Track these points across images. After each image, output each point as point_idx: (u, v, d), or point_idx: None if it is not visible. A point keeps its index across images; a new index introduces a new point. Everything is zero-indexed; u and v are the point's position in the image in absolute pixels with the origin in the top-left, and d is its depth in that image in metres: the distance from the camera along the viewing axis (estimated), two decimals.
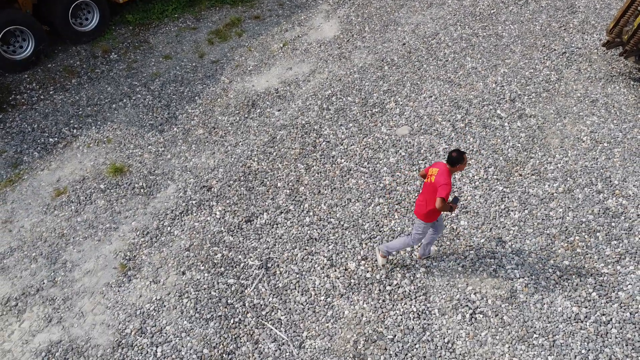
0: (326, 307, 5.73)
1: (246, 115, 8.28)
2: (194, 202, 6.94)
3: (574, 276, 5.83)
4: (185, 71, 9.25)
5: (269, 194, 7.01)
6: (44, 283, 6.10)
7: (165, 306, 5.82)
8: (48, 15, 9.26)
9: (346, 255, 6.20)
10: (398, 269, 6.01)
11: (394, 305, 5.70)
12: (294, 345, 5.42)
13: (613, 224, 6.32)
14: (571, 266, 5.93)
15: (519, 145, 7.43)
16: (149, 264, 6.24)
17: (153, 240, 6.51)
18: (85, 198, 7.06)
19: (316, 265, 6.12)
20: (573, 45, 9.18)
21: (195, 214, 6.79)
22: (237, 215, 6.74)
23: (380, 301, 5.73)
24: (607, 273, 5.84)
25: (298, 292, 5.88)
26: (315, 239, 6.40)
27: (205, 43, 9.95)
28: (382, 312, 5.64)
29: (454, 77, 8.69)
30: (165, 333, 5.58)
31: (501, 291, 5.74)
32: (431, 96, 8.34)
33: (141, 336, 5.56)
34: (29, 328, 5.68)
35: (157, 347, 5.47)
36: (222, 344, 5.45)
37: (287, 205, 6.83)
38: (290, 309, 5.74)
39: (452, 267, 6.00)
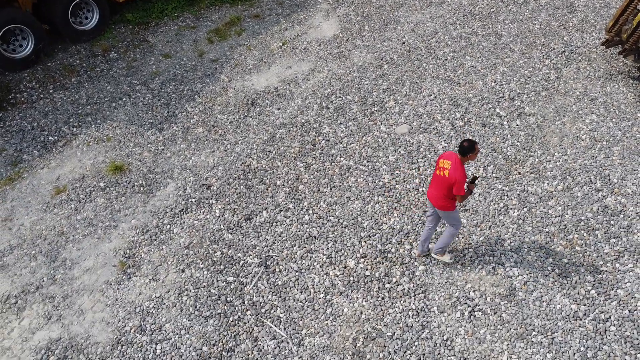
0: (325, 304, 5.74)
1: (246, 114, 8.29)
2: (193, 200, 6.95)
3: (572, 274, 5.84)
4: (185, 70, 9.26)
5: (269, 192, 7.02)
6: (43, 281, 6.10)
7: (164, 304, 5.82)
8: (48, 14, 9.27)
9: (345, 253, 6.21)
10: (397, 266, 6.02)
11: (393, 302, 5.71)
12: (293, 343, 5.43)
13: (612, 222, 6.33)
14: (570, 264, 5.94)
15: (518, 143, 7.44)
16: (149, 262, 6.25)
17: (152, 238, 6.52)
18: (85, 196, 7.07)
19: (315, 263, 6.13)
20: (572, 44, 9.19)
21: (194, 212, 6.80)
22: (236, 214, 6.75)
23: (379, 299, 5.74)
24: (606, 271, 5.85)
25: (297, 289, 5.89)
26: (315, 237, 6.41)
27: (205, 42, 9.96)
28: (381, 310, 5.65)
29: (453, 75, 8.70)
30: (165, 330, 5.59)
31: (500, 289, 5.75)
32: (430, 95, 8.35)
33: (141, 334, 5.57)
34: (29, 325, 5.69)
35: (156, 344, 5.48)
36: (222, 342, 5.46)
37: (286, 204, 6.84)
38: (289, 306, 5.75)
39: (451, 265, 6.00)
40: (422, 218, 6.52)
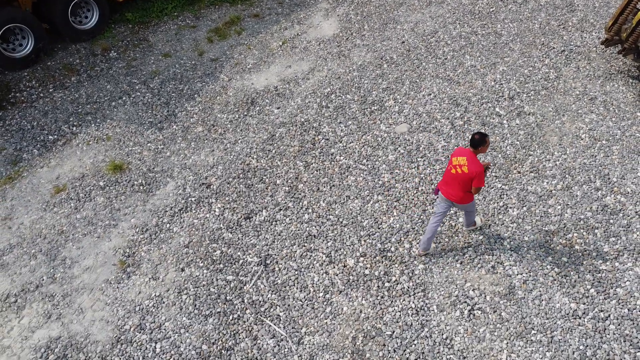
0: (325, 303, 5.74)
1: (245, 113, 8.29)
2: (193, 199, 6.96)
3: (572, 273, 5.84)
4: (185, 69, 9.26)
5: (268, 191, 7.02)
6: (43, 279, 6.11)
7: (164, 302, 5.83)
8: (48, 14, 9.27)
9: (345, 252, 6.21)
10: (396, 265, 6.03)
11: (392, 301, 5.71)
12: (292, 341, 5.44)
13: (611, 221, 6.33)
14: (569, 263, 5.94)
15: (518, 142, 7.44)
16: (148, 261, 6.26)
17: (152, 237, 6.52)
18: (85, 195, 7.07)
19: (315, 262, 6.13)
20: (572, 44, 9.19)
21: (194, 211, 6.80)
22: (236, 212, 6.76)
23: (378, 297, 5.75)
24: (605, 270, 5.85)
25: (297, 288, 5.90)
26: (314, 236, 6.41)
27: (205, 41, 9.96)
28: (381, 309, 5.65)
29: (453, 75, 8.71)
30: (164, 329, 5.59)
31: (499, 287, 5.76)
32: (430, 94, 8.35)
33: (140, 332, 5.57)
34: (29, 324, 5.69)
35: (156, 343, 5.48)
36: (221, 340, 5.47)
37: (286, 203, 6.84)
38: (289, 305, 5.75)
39: (451, 264, 6.01)
40: (421, 217, 6.52)
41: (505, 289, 5.74)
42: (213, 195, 7.00)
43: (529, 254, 6.05)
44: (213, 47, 9.80)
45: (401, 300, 5.71)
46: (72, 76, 9.11)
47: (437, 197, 5.81)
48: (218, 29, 10.23)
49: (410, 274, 5.94)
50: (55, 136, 7.97)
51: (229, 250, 6.33)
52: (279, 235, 6.46)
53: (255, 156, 7.53)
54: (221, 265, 6.16)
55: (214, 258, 6.25)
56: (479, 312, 5.56)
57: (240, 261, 6.21)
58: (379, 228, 6.45)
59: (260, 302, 5.80)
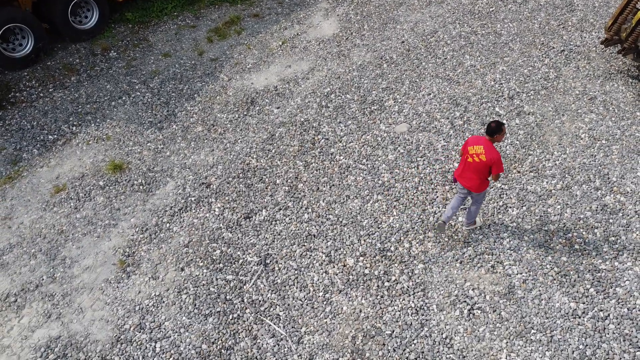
0: (324, 302, 5.74)
1: (245, 113, 8.29)
2: (193, 198, 6.96)
3: (571, 272, 5.84)
4: (185, 69, 9.27)
5: (268, 190, 7.02)
6: (43, 279, 6.11)
7: (164, 302, 5.83)
8: (48, 13, 9.28)
9: (344, 252, 6.22)
10: (396, 265, 6.03)
11: (392, 301, 5.71)
12: (292, 341, 5.44)
13: (611, 221, 6.34)
14: (569, 262, 5.94)
15: (517, 142, 7.44)
16: (148, 260, 6.26)
17: (152, 236, 6.52)
18: (85, 195, 7.07)
19: (315, 262, 6.14)
20: (572, 43, 9.20)
21: (194, 211, 6.80)
22: (236, 212, 6.76)
23: (378, 297, 5.75)
24: (604, 269, 5.86)
25: (296, 288, 5.90)
26: (314, 236, 6.42)
27: (205, 41, 9.97)
28: (381, 308, 5.65)
29: (452, 74, 8.71)
30: (164, 329, 5.59)
31: (499, 287, 5.76)
32: (430, 94, 8.35)
33: (140, 332, 5.57)
34: (28, 324, 5.70)
35: (156, 342, 5.48)
36: (221, 340, 5.47)
37: (285, 202, 6.84)
38: (288, 304, 5.75)
39: (450, 263, 6.01)
40: (421, 216, 6.53)
41: (504, 288, 5.75)
42: (213, 194, 7.00)
43: (528, 253, 6.05)
44: (213, 47, 9.81)
45: (401, 300, 5.71)
46: (72, 76, 9.11)
47: (456, 184, 6.05)
48: (218, 29, 10.24)
49: (410, 274, 5.94)
50: (55, 136, 7.98)
51: (229, 249, 6.33)
52: (279, 234, 6.47)
53: (255, 156, 7.53)
54: (221, 265, 6.17)
55: (214, 257, 6.25)
56: (479, 311, 5.56)
57: (240, 261, 6.21)
58: (378, 228, 6.46)
59: (260, 301, 5.80)
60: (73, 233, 6.60)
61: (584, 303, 5.56)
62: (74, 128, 8.11)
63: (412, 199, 6.76)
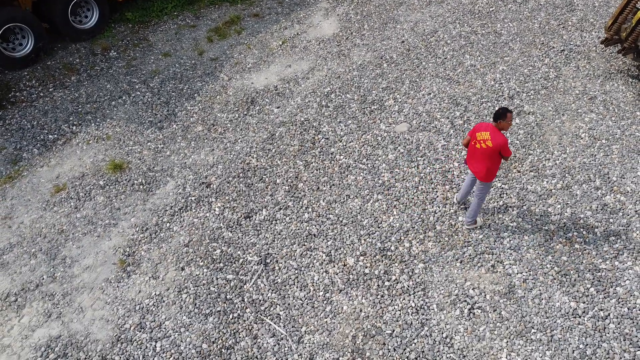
0: (325, 302, 5.75)
1: (245, 112, 8.29)
2: (193, 198, 6.96)
3: (572, 272, 5.84)
4: (185, 69, 9.27)
5: (268, 190, 7.02)
6: (43, 279, 6.11)
7: (164, 301, 5.83)
8: (48, 13, 9.28)
9: (345, 251, 6.22)
10: (396, 264, 6.03)
11: (392, 300, 5.71)
12: (292, 340, 5.44)
13: (611, 220, 6.34)
14: (569, 262, 5.94)
15: (518, 142, 7.44)
16: (148, 260, 6.26)
17: (152, 236, 6.52)
18: (85, 194, 7.07)
19: (315, 261, 6.14)
20: (572, 43, 9.20)
21: (194, 210, 6.80)
22: (236, 212, 6.76)
23: (378, 296, 5.75)
24: (605, 269, 5.86)
25: (297, 287, 5.90)
26: (314, 235, 6.42)
27: (205, 41, 9.97)
28: (381, 308, 5.65)
29: (452, 74, 8.71)
30: (165, 328, 5.59)
31: (499, 286, 5.76)
32: (430, 93, 8.35)
33: (140, 331, 5.57)
34: (29, 323, 5.69)
35: (156, 342, 5.48)
36: (221, 339, 5.47)
37: (286, 202, 6.84)
38: (289, 304, 5.75)
39: (451, 263, 6.02)
40: (421, 216, 6.53)
41: (505, 287, 5.75)
42: (213, 194, 7.00)
43: (528, 253, 6.06)
44: (213, 47, 9.81)
45: (401, 299, 5.71)
46: (72, 75, 9.11)
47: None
48: (218, 29, 10.24)
49: (410, 273, 5.94)
50: (55, 135, 7.97)
51: (229, 249, 6.33)
52: (279, 234, 6.47)
53: (255, 155, 7.53)
54: (221, 264, 6.17)
55: (214, 257, 6.25)
56: (479, 311, 5.57)
57: (240, 260, 6.21)
58: (378, 227, 6.46)
59: (260, 301, 5.80)
60: (73, 232, 6.60)
61: (584, 302, 5.57)
62: (74, 127, 8.11)
63: (412, 198, 6.76)
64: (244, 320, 5.63)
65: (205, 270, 6.11)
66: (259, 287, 5.93)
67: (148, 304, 5.81)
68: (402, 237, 6.31)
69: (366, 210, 6.67)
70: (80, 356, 5.39)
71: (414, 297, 5.73)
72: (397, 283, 5.86)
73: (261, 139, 7.79)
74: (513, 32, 9.58)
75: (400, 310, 5.62)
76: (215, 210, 6.80)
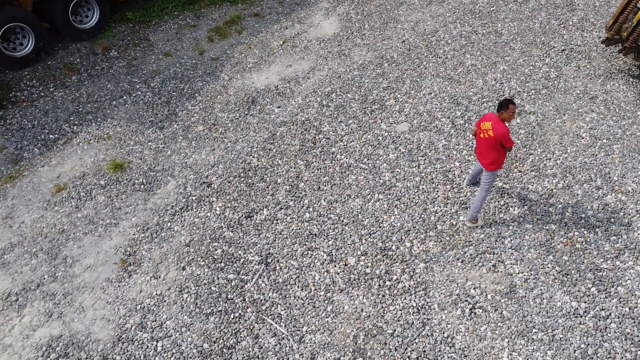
0: (326, 302, 5.74)
1: (246, 112, 8.29)
2: (194, 198, 6.96)
3: (573, 271, 5.84)
4: (185, 68, 9.26)
5: (269, 190, 7.02)
6: (44, 278, 6.11)
7: (165, 301, 5.83)
8: (48, 13, 9.27)
9: (346, 251, 6.22)
10: (397, 264, 6.03)
11: (393, 300, 5.71)
12: (294, 340, 5.44)
13: (612, 220, 6.34)
14: (570, 261, 5.94)
15: (519, 141, 7.44)
16: (149, 260, 6.26)
17: (153, 235, 6.52)
18: (86, 194, 7.07)
19: (316, 261, 6.14)
20: (572, 43, 9.20)
21: (195, 210, 6.80)
22: (237, 211, 6.76)
23: (379, 296, 5.75)
24: (606, 268, 5.86)
25: (298, 287, 5.90)
26: (315, 235, 6.41)
27: (205, 40, 9.96)
28: (382, 307, 5.65)
29: (453, 74, 8.71)
30: (166, 328, 5.59)
31: (500, 286, 5.76)
32: (431, 93, 8.35)
33: (141, 331, 5.57)
34: (30, 323, 5.69)
35: (157, 341, 5.48)
36: (222, 339, 5.47)
37: (287, 201, 6.84)
38: (290, 304, 5.75)
39: (452, 263, 6.01)
40: (422, 215, 6.53)
41: (506, 287, 5.75)
42: (214, 194, 7.00)
43: (530, 252, 6.05)
44: (213, 47, 9.80)
45: (402, 299, 5.71)
46: (73, 75, 9.11)
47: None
48: (218, 28, 10.23)
49: (411, 273, 5.94)
50: (56, 135, 7.97)
51: (230, 249, 6.33)
52: (280, 234, 6.47)
53: (256, 155, 7.53)
54: (222, 264, 6.16)
55: (215, 257, 6.25)
56: (480, 310, 5.56)
57: (242, 260, 6.21)
58: (379, 227, 6.46)
59: (261, 300, 5.80)
60: (74, 232, 6.60)
61: (585, 302, 5.56)
62: (75, 127, 8.11)
63: (413, 198, 6.76)
64: (245, 320, 5.63)
65: (206, 269, 6.11)
66: (260, 286, 5.93)
67: (149, 304, 5.81)
68: (403, 237, 6.31)
69: (367, 210, 6.67)
70: (81, 356, 5.39)
71: (415, 296, 5.73)
72: (398, 283, 5.86)
73: (262, 138, 7.79)
74: (514, 31, 9.58)
75: (401, 310, 5.62)
76: (216, 209, 6.79)
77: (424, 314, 5.57)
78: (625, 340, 5.24)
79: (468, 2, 10.50)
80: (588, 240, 6.15)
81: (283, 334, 5.49)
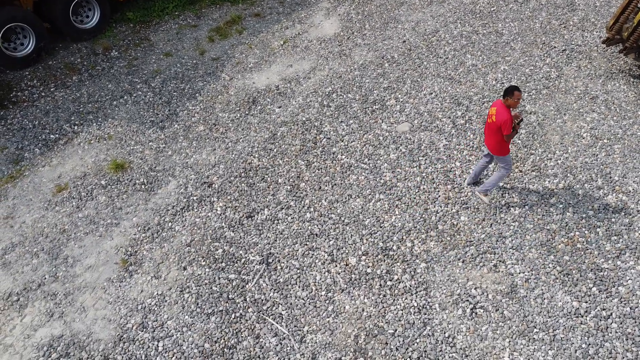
0: (327, 302, 5.74)
1: (247, 112, 8.29)
2: (194, 198, 6.96)
3: (574, 271, 5.84)
4: (186, 68, 9.27)
5: (270, 190, 7.02)
6: (45, 278, 6.11)
7: (166, 301, 5.83)
8: (49, 13, 9.28)
9: (347, 251, 6.22)
10: (398, 264, 6.03)
11: (394, 300, 5.71)
12: (295, 340, 5.44)
13: (613, 220, 6.34)
14: (571, 261, 5.94)
15: (519, 141, 7.44)
16: (150, 260, 6.26)
17: (154, 235, 6.52)
18: (87, 194, 7.07)
19: (317, 261, 6.14)
20: (573, 43, 9.20)
21: (196, 210, 6.80)
22: (238, 211, 6.76)
23: (380, 296, 5.75)
24: (607, 268, 5.86)
25: (299, 287, 5.90)
26: (316, 235, 6.42)
27: (206, 40, 9.97)
28: (383, 307, 5.65)
29: (454, 74, 8.71)
30: (167, 328, 5.59)
31: (502, 286, 5.76)
32: (431, 93, 8.35)
33: (142, 331, 5.57)
34: (31, 323, 5.70)
35: (158, 341, 5.48)
36: (224, 339, 5.47)
37: (287, 201, 6.84)
38: (291, 303, 5.75)
39: (453, 262, 6.02)
40: (423, 215, 6.53)
41: (507, 287, 5.75)
42: (215, 194, 7.00)
43: (530, 252, 6.06)
44: (214, 47, 9.81)
45: (403, 299, 5.71)
46: (74, 75, 9.11)
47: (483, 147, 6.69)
48: (219, 28, 10.24)
49: (412, 273, 5.94)
50: (57, 135, 7.98)
51: (231, 248, 6.33)
52: (281, 234, 6.47)
53: (256, 155, 7.53)
54: (223, 264, 6.17)
55: (216, 257, 6.25)
56: (481, 310, 5.57)
57: (242, 260, 6.21)
58: (380, 227, 6.46)
59: (262, 300, 5.80)
60: (75, 232, 6.60)
61: (586, 302, 5.57)
62: (76, 127, 8.11)
63: (414, 198, 6.76)
64: (246, 320, 5.63)
65: (207, 269, 6.11)
66: (261, 286, 5.93)
67: (150, 304, 5.81)
68: (404, 237, 6.31)
69: (368, 210, 6.67)
70: (82, 356, 5.39)
71: (416, 296, 5.73)
72: (399, 283, 5.86)
73: (263, 138, 7.79)
74: (514, 31, 9.58)
75: (402, 310, 5.62)
76: (217, 209, 6.80)
77: (425, 314, 5.57)
78: (627, 340, 5.24)
79: (469, 2, 10.50)
80: (589, 240, 6.15)
81: (284, 333, 5.50)
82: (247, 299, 5.81)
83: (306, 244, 6.32)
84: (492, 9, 10.23)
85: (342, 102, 8.32)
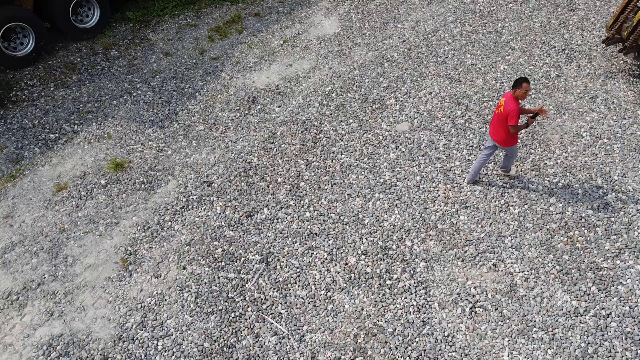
0: (326, 301, 5.75)
1: (246, 112, 8.30)
2: (194, 197, 6.96)
3: (573, 270, 5.85)
4: (186, 68, 9.27)
5: (270, 189, 7.02)
6: (45, 277, 6.11)
7: (166, 300, 5.83)
8: (49, 12, 9.28)
9: (346, 250, 6.22)
10: (398, 263, 6.03)
11: (394, 299, 5.72)
12: (294, 339, 5.44)
13: (612, 219, 6.34)
14: (571, 260, 5.95)
15: (519, 141, 7.44)
16: (150, 259, 6.26)
17: (154, 235, 6.52)
18: (86, 193, 7.08)
19: (316, 260, 6.14)
20: (573, 42, 9.20)
21: (195, 209, 6.81)
22: (237, 211, 6.76)
23: (380, 295, 5.75)
24: (606, 267, 5.86)
25: (298, 286, 5.90)
26: (316, 234, 6.42)
27: (206, 40, 9.97)
28: (383, 306, 5.65)
29: (453, 73, 8.71)
30: (166, 327, 5.60)
31: (501, 285, 5.76)
32: (431, 92, 8.36)
33: (142, 330, 5.58)
34: (31, 322, 5.70)
35: (158, 340, 5.49)
36: (223, 338, 5.47)
37: (287, 201, 6.84)
38: (290, 303, 5.76)
39: (452, 262, 6.02)
40: (422, 215, 6.53)
41: (506, 286, 5.75)
42: (214, 193, 7.00)
43: (530, 251, 6.06)
44: (214, 46, 9.81)
45: (403, 298, 5.72)
46: (73, 75, 9.11)
47: (485, 139, 6.83)
48: (219, 28, 10.24)
49: (412, 272, 5.95)
50: (57, 134, 7.98)
51: (231, 248, 6.33)
52: (281, 233, 6.47)
53: (256, 154, 7.53)
54: (223, 263, 6.17)
55: (216, 256, 6.25)
56: (481, 309, 5.57)
57: (242, 259, 6.21)
58: (380, 226, 6.46)
59: (262, 299, 5.80)
60: (75, 231, 6.60)
61: (585, 301, 5.57)
62: (76, 127, 8.11)
63: (414, 197, 6.77)
64: (246, 319, 5.63)
65: (206, 269, 6.11)
66: (261, 285, 5.93)
67: (150, 303, 5.81)
68: (404, 236, 6.31)
69: (367, 209, 6.67)
70: (82, 355, 5.39)
71: (416, 295, 5.73)
72: (399, 282, 5.87)
73: (262, 138, 7.79)
74: (514, 31, 9.58)
75: (402, 309, 5.62)
76: (216, 209, 6.80)
77: (425, 313, 5.58)
78: (626, 339, 5.24)
79: (468, 1, 10.50)
80: (588, 239, 6.15)
81: (284, 332, 5.50)
82: (247, 298, 5.81)
83: (306, 243, 6.32)
84: (491, 9, 10.23)
85: (341, 102, 8.32)
